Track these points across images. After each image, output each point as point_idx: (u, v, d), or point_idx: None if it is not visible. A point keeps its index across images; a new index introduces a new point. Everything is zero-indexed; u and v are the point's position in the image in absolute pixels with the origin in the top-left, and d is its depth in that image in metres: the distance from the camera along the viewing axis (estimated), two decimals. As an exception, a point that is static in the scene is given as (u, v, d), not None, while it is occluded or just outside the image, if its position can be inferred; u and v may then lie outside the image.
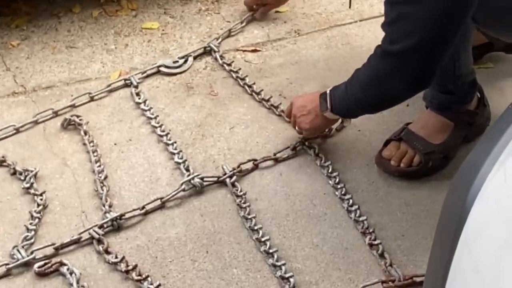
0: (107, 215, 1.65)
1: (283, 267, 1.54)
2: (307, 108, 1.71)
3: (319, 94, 1.69)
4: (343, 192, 1.70)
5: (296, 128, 1.78)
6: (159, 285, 1.50)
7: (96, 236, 1.60)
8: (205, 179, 1.73)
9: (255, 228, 1.63)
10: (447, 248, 0.72)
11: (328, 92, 1.66)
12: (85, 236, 1.62)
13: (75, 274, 1.53)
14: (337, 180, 1.73)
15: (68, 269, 1.54)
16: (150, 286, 1.50)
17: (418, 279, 1.51)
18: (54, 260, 1.56)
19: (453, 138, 1.76)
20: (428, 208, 1.68)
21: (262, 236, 1.61)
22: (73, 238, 1.60)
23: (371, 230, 1.62)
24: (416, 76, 1.49)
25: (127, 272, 1.53)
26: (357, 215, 1.65)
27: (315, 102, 1.69)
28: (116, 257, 1.56)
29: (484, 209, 0.70)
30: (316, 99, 1.69)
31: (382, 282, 1.51)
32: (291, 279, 1.52)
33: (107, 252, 1.58)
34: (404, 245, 1.61)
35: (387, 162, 1.74)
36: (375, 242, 1.59)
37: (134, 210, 1.67)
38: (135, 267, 1.53)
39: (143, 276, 1.52)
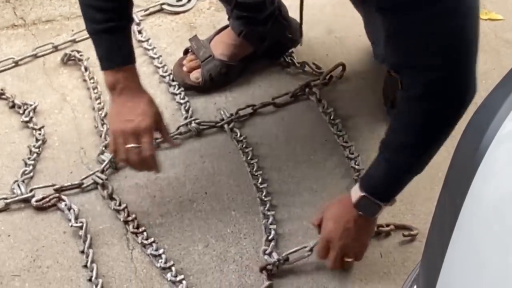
0: (102, 156, 1.63)
1: (270, 217, 1.54)
2: (351, 230, 1.37)
3: (347, 204, 1.36)
4: (344, 140, 1.69)
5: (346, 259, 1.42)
6: (154, 241, 1.49)
7: (100, 181, 1.58)
8: (202, 123, 1.72)
9: (255, 174, 1.62)
10: (457, 195, 0.71)
11: (361, 194, 1.34)
12: (87, 178, 1.60)
13: (74, 210, 1.53)
14: (339, 127, 1.72)
15: (66, 204, 1.54)
16: (145, 241, 1.49)
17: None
18: (52, 195, 1.55)
19: None
20: (429, 159, 1.67)
21: (261, 183, 1.60)
22: (75, 183, 1.58)
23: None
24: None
25: (125, 222, 1.52)
26: (356, 163, 1.65)
27: (352, 216, 1.36)
28: (120, 205, 1.55)
29: (499, 156, 0.69)
30: (350, 210, 1.36)
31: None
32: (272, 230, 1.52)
33: (111, 198, 1.56)
34: (403, 193, 1.57)
35: None
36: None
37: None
38: (134, 219, 1.52)
39: (140, 230, 1.51)
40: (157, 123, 1.47)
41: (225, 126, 1.72)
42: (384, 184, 1.34)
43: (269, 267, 1.44)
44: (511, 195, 0.68)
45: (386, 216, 1.55)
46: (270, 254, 1.46)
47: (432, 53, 1.18)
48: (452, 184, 0.76)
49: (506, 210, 0.69)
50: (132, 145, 1.40)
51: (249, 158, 1.65)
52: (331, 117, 1.73)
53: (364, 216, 1.36)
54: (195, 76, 1.79)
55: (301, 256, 1.45)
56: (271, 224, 1.53)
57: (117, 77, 1.42)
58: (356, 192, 1.35)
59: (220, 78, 1.79)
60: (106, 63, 1.43)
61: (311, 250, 1.45)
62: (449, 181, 0.78)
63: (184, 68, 1.80)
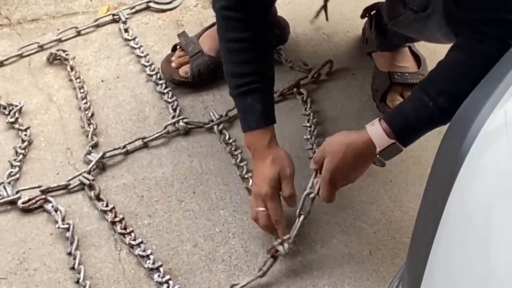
0: (89, 157, 1.61)
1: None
2: (357, 168, 1.38)
3: (358, 145, 1.33)
4: (313, 142, 1.67)
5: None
6: (141, 242, 1.47)
7: (87, 182, 1.57)
8: (190, 123, 1.70)
9: (246, 176, 1.59)
10: (440, 194, 0.70)
11: (392, 141, 1.29)
12: (74, 179, 1.58)
13: (60, 212, 1.51)
14: (313, 129, 1.70)
15: (52, 206, 1.52)
16: (132, 242, 1.47)
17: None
18: (38, 196, 1.54)
19: None
20: (417, 155, 1.67)
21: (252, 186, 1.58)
22: (61, 184, 1.56)
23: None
24: None
25: (113, 223, 1.51)
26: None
27: (363, 157, 1.35)
28: (107, 206, 1.53)
29: (481, 155, 0.68)
30: (360, 150, 1.33)
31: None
32: None
33: (98, 198, 1.55)
34: (392, 191, 1.60)
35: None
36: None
37: (115, 149, 1.64)
38: (121, 220, 1.51)
39: (128, 230, 1.49)
40: (284, 180, 1.44)
41: (215, 127, 1.70)
42: (417, 130, 1.30)
43: (278, 248, 1.41)
44: (493, 194, 0.68)
45: (375, 213, 1.54)
46: (282, 244, 1.42)
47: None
48: (435, 184, 0.76)
49: (488, 209, 0.68)
50: (259, 208, 1.43)
51: (238, 161, 1.63)
52: (308, 121, 1.71)
53: (383, 159, 1.33)
54: (184, 70, 1.77)
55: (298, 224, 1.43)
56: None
57: (249, 139, 1.45)
58: (382, 139, 1.29)
59: (208, 74, 1.77)
60: (241, 125, 1.46)
61: (299, 215, 1.42)
62: (432, 180, 0.77)
63: (173, 64, 1.79)
